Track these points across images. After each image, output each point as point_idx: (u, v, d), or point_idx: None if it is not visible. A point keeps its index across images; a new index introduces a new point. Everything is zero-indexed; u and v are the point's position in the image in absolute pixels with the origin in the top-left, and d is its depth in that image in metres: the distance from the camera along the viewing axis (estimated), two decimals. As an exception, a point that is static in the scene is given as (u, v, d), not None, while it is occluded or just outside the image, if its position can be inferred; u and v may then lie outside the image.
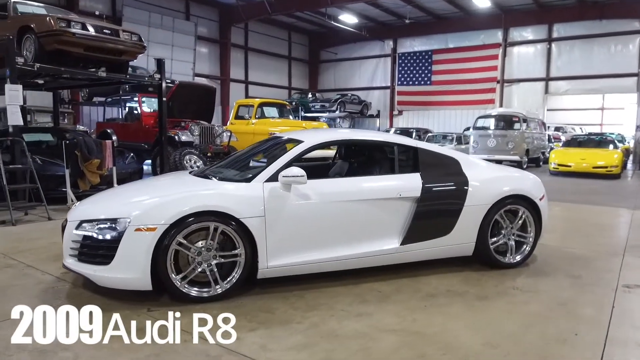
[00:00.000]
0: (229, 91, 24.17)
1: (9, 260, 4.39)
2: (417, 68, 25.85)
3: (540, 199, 4.39)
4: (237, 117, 12.76)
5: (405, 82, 26.53)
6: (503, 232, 4.30)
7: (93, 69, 8.08)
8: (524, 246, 4.39)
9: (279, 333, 2.92)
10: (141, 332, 2.86)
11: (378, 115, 27.07)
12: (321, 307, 3.34)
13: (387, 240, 3.89)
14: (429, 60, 25.41)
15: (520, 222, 4.34)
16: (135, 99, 11.22)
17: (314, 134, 4.13)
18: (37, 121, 14.29)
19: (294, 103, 24.38)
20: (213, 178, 3.86)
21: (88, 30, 7.60)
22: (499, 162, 11.07)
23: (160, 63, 8.97)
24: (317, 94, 26.06)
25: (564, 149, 14.85)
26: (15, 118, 6.89)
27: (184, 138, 10.00)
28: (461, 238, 4.12)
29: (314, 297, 3.53)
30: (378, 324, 3.07)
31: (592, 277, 4.17)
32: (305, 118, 23.52)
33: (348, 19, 23.95)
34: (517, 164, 14.23)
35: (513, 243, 4.33)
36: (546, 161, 15.55)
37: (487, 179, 4.26)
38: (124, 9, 19.37)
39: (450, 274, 4.13)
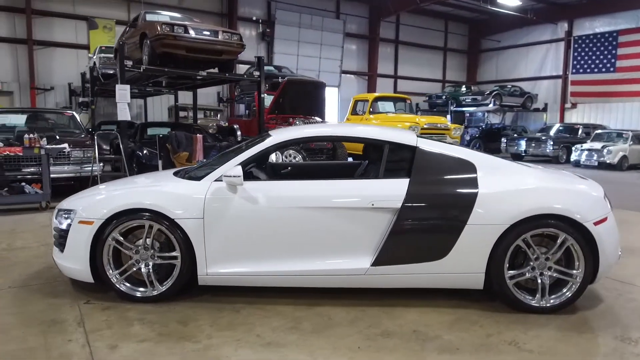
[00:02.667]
0: (376, 86, 23.92)
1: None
2: (598, 53, 21.68)
3: (597, 223, 3.12)
4: (354, 112, 12.49)
5: (581, 70, 22.53)
6: (532, 263, 3.19)
7: (201, 69, 8.78)
8: (567, 286, 3.20)
9: (159, 350, 2.63)
10: (53, 324, 2.92)
11: (545, 109, 23.65)
12: (241, 327, 2.92)
13: (356, 259, 3.22)
14: (614, 43, 21.05)
15: (559, 252, 3.17)
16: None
17: (289, 131, 3.63)
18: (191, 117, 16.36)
19: (444, 97, 22.97)
20: (184, 175, 3.71)
21: (189, 33, 8.23)
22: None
23: (260, 60, 9.26)
24: (472, 87, 24.00)
25: None
26: (123, 114, 7.88)
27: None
28: (462, 265, 3.19)
29: (249, 313, 3.13)
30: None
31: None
32: (455, 112, 21.96)
33: (511, 1, 21.35)
34: None
35: (547, 280, 3.19)
36: None
37: (508, 191, 3.19)
38: (277, 12, 20.71)
39: (444, 309, 3.24)
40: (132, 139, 10.35)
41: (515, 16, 22.53)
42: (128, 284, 3.29)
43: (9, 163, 6.75)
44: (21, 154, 6.26)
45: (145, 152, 8.62)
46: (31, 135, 6.38)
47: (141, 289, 3.29)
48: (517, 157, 17.29)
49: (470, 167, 3.32)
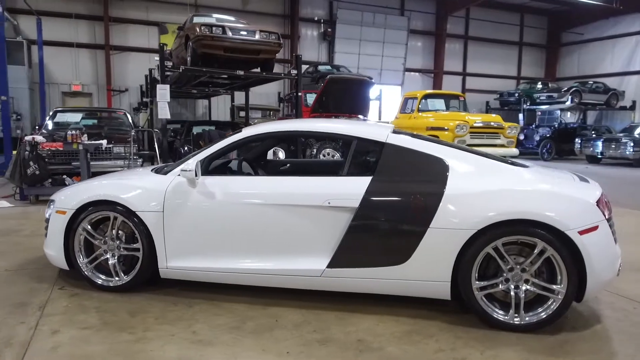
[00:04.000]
0: (442, 84, 23.04)
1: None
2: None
3: (583, 232, 2.70)
4: (404, 110, 12.10)
5: (679, 63, 20.04)
6: (505, 274, 2.84)
7: (242, 69, 8.98)
8: (547, 303, 2.81)
9: (94, 338, 2.67)
10: (20, 306, 3.10)
11: (633, 107, 21.34)
12: (184, 322, 2.90)
13: (312, 260, 3.07)
14: None
15: (537, 264, 2.79)
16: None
17: (258, 127, 3.52)
18: (251, 116, 16.83)
19: (516, 95, 21.59)
20: (163, 169, 3.77)
21: (226, 34, 8.45)
22: None
23: (297, 59, 9.27)
24: (549, 84, 22.28)
25: None
26: (163, 112, 8.27)
27: (326, 132, 10.07)
28: (424, 272, 2.92)
29: (202, 309, 3.10)
30: (190, 357, 2.48)
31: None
32: (529, 111, 20.53)
33: (594, -11, 19.57)
34: None
35: (522, 294, 2.82)
36: None
37: (478, 192, 2.87)
38: (339, 12, 20.67)
39: (406, 319, 2.99)
40: (179, 136, 10.86)
41: (600, 6, 20.59)
42: (97, 273, 3.41)
43: (58, 157, 7.37)
44: (62, 149, 6.78)
45: (186, 148, 8.98)
46: (73, 132, 6.88)
47: (108, 279, 3.39)
48: (592, 159, 15.76)
49: (441, 165, 3.03)
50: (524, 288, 2.84)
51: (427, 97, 11.77)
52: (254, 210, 3.12)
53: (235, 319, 2.97)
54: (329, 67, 17.48)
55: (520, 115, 20.00)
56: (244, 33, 8.61)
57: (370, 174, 3.08)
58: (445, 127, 10.32)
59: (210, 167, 3.62)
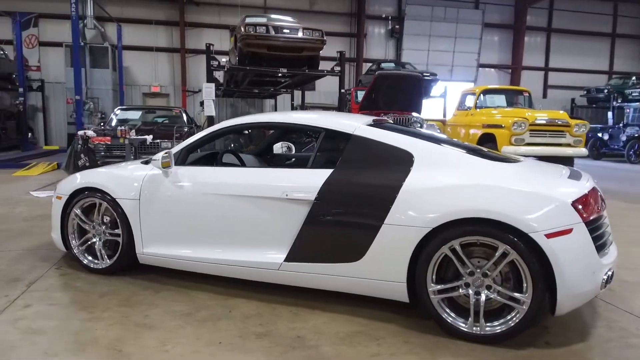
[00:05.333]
0: (520, 80, 21.58)
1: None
2: None
3: (552, 235, 2.38)
4: (461, 107, 11.50)
5: None
6: (464, 278, 2.59)
7: (288, 67, 9.10)
8: (512, 314, 2.51)
9: (55, 314, 2.84)
10: (13, 280, 3.40)
11: None
12: (142, 307, 2.99)
13: (271, 253, 3.03)
14: None
15: (499, 268, 2.51)
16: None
17: (230, 120, 3.52)
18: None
19: (606, 91, 19.64)
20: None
21: (269, 32, 8.60)
22: None
23: (341, 55, 9.18)
24: (647, 78, 19.96)
25: None
26: (209, 110, 8.61)
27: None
28: (379, 271, 2.75)
29: (167, 295, 3.19)
30: (125, 338, 2.54)
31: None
32: (619, 108, 18.55)
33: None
34: None
35: (482, 301, 2.55)
36: None
37: (436, 188, 2.64)
38: (407, 8, 20.17)
39: (360, 319, 2.85)
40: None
41: None
42: (87, 255, 3.64)
43: (112, 150, 7.98)
44: (109, 143, 7.33)
45: (232, 145, 9.28)
46: (122, 128, 7.42)
47: (95, 261, 3.60)
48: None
49: (406, 159, 2.83)
50: (484, 295, 2.56)
51: (486, 92, 11.04)
52: (216, 201, 3.15)
53: (192, 306, 3.01)
54: (392, 65, 17.13)
55: (610, 114, 18.13)
56: (287, 31, 8.70)
57: (331, 166, 2.97)
58: (502, 125, 9.63)
59: (198, 159, 3.73)
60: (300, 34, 8.76)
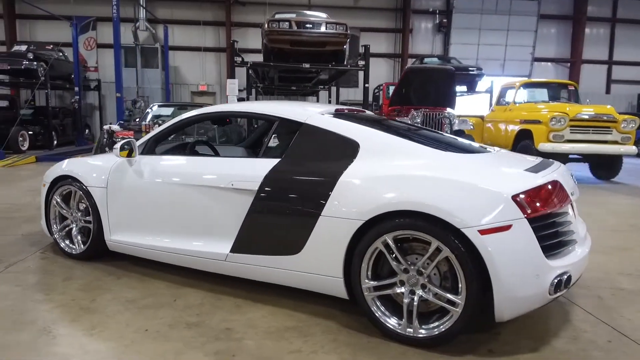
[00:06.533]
0: (580, 74, 20.17)
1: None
2: None
3: (487, 231, 2.16)
4: (500, 102, 10.90)
5: None
6: (399, 276, 2.42)
7: (315, 62, 9.06)
8: (447, 316, 2.31)
9: (14, 295, 2.97)
10: (-3, 263, 3.61)
11: None
12: (98, 291, 3.05)
13: (219, 243, 3.00)
14: None
15: (432, 265, 2.32)
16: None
17: (197, 110, 3.48)
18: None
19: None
20: None
21: (292, 27, 8.59)
22: None
23: (366, 49, 8.98)
24: None
25: None
26: (232, 106, 8.75)
27: (399, 125, 9.58)
28: (316, 265, 2.64)
29: (124, 282, 3.24)
30: (62, 321, 2.60)
31: None
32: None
33: None
34: None
35: (416, 301, 2.37)
36: None
37: (372, 178, 2.48)
38: (456, 1, 19.43)
39: (300, 314, 2.74)
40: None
41: None
42: (65, 241, 3.78)
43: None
44: (132, 137, 7.62)
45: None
46: (145, 122, 7.70)
47: (71, 246, 3.73)
48: None
49: (351, 148, 2.69)
50: (418, 294, 2.37)
51: (526, 86, 10.38)
52: (169, 190, 3.16)
53: (141, 293, 3.04)
54: (436, 59, 16.58)
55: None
56: (309, 26, 8.65)
57: (280, 154, 2.89)
58: (539, 120, 9.00)
59: (170, 149, 3.78)
60: (322, 29, 8.68)
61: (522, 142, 9.37)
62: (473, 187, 2.27)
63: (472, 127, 9.90)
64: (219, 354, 2.29)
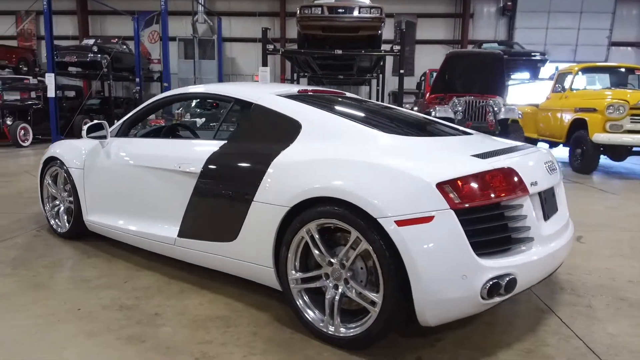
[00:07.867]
0: (666, 60, 18.07)
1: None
2: None
3: (404, 223, 1.90)
4: (557, 89, 9.98)
5: None
6: (324, 268, 2.22)
7: (350, 48, 8.82)
8: (367, 316, 2.08)
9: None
10: (-7, 239, 3.84)
11: None
12: (59, 268, 3.13)
13: (169, 227, 2.95)
14: None
15: (352, 257, 2.10)
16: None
17: (169, 92, 3.40)
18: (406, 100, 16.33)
19: None
20: None
21: (323, 13, 8.39)
22: None
23: (402, 34, 8.57)
24: None
25: None
26: (264, 94, 8.75)
27: (439, 114, 9.08)
28: (250, 253, 2.50)
29: (92, 262, 3.29)
30: (9, 296, 2.67)
31: None
32: None
33: None
34: None
35: (337, 297, 2.16)
36: None
37: (301, 162, 2.29)
38: (522, -18, 18.13)
39: (239, 304, 2.62)
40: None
41: None
42: (56, 220, 3.92)
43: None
44: (163, 124, 7.86)
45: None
46: (177, 111, 7.92)
47: (59, 224, 3.87)
48: None
49: (292, 129, 2.51)
50: (340, 289, 2.16)
51: (586, 71, 9.39)
52: (132, 171, 3.15)
53: (99, 274, 3.07)
54: (495, 45, 15.58)
55: None
56: (342, 11, 8.40)
57: (228, 135, 2.77)
58: (595, 109, 8.10)
59: (148, 132, 3.79)
60: (355, 13, 8.39)
61: (577, 133, 8.51)
62: (398, 172, 2.01)
63: (520, 116, 9.17)
64: (131, 338, 2.23)
